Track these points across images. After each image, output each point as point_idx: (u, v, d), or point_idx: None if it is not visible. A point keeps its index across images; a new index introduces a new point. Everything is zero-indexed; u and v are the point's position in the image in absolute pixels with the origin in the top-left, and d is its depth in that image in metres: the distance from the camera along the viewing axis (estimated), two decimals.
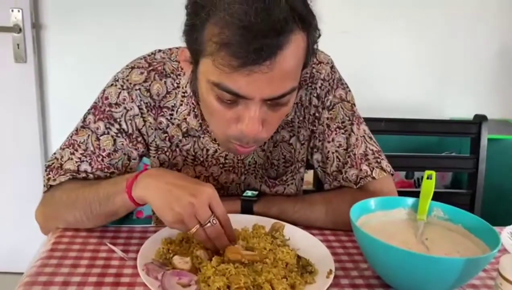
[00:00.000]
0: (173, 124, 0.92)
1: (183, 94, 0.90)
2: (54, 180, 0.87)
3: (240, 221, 0.84)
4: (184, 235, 0.79)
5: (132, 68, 0.90)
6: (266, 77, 0.68)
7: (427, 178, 0.85)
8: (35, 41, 2.04)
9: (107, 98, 0.89)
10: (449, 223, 0.80)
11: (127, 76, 0.89)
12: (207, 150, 0.94)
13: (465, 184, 1.56)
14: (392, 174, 0.96)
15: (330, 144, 0.95)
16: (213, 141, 0.93)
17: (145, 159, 1.03)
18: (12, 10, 1.96)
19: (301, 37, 0.70)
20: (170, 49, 0.94)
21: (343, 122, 0.95)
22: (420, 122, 1.49)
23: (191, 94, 0.88)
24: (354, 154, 0.94)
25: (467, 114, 2.19)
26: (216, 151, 0.94)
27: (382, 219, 0.81)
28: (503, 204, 1.81)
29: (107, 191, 0.80)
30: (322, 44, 0.80)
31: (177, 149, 0.94)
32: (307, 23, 0.71)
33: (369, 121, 1.26)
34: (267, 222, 0.85)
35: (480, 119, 1.44)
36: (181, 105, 0.90)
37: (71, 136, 0.90)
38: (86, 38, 2.07)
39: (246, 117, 0.72)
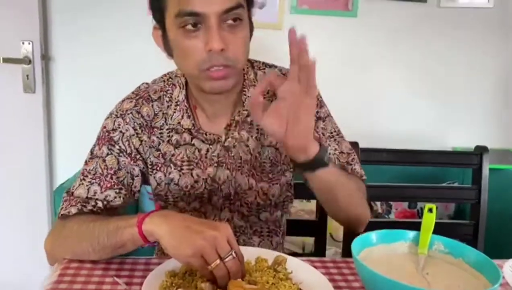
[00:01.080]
0: (163, 141, 1.01)
1: (176, 103, 1.01)
2: (65, 209, 0.93)
3: (243, 254, 0.84)
4: (187, 268, 0.80)
5: (123, 100, 1.03)
6: None
7: (428, 211, 0.86)
8: (44, 72, 2.08)
9: (105, 127, 1.01)
10: (450, 257, 0.81)
11: (119, 107, 1.02)
12: (199, 150, 1.01)
13: (468, 214, 1.55)
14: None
15: (328, 148, 1.02)
16: (204, 141, 1.00)
17: (148, 188, 1.06)
18: (23, 43, 2.01)
19: None
20: (154, 80, 1.06)
21: (331, 132, 1.06)
22: (422, 153, 1.50)
23: (183, 99, 1.00)
24: (351, 156, 1.05)
25: (469, 143, 2.20)
26: (208, 150, 1.01)
27: (384, 253, 0.82)
28: (506, 235, 1.80)
29: (117, 224, 0.82)
30: (323, 76, 0.83)
31: (171, 165, 1.01)
32: None
33: (370, 151, 1.26)
34: (270, 255, 0.86)
35: (481, 150, 1.44)
36: (175, 112, 1.01)
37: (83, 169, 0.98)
38: (93, 70, 2.12)
39: (209, 37, 0.86)
